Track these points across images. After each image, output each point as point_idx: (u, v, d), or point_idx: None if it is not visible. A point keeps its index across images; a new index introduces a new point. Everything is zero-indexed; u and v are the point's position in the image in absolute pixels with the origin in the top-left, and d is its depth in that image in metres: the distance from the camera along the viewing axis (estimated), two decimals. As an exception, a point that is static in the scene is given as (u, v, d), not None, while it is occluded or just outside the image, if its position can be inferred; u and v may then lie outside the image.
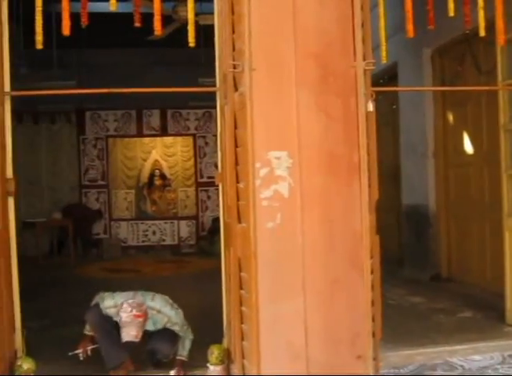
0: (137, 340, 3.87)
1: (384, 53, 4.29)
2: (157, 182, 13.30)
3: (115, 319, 4.05)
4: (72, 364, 4.26)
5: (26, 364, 3.84)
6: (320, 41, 3.76)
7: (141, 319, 3.89)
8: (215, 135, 12.27)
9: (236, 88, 3.52)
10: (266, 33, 3.53)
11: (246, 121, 3.27)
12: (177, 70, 12.68)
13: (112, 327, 4.05)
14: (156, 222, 12.40)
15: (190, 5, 3.91)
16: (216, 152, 12.02)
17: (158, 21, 4.00)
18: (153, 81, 12.49)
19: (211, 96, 11.69)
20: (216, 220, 11.82)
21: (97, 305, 4.13)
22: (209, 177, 12.29)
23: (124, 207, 13.11)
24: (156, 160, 13.42)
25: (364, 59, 3.59)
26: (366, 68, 3.60)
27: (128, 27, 10.33)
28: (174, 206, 13.31)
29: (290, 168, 3.71)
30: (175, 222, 12.40)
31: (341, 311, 3.73)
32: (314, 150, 3.73)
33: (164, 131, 12.36)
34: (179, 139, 13.24)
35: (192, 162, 13.21)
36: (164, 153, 13.56)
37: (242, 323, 3.52)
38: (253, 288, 3.26)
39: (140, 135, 12.41)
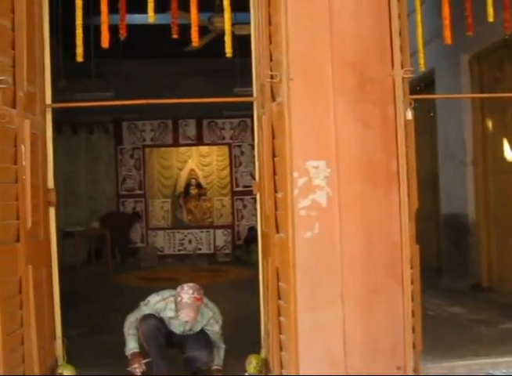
0: (195, 321, 4.00)
1: (421, 60, 4.25)
2: (193, 191, 13.40)
3: (162, 314, 4.12)
4: (112, 372, 4.30)
5: (67, 371, 3.89)
6: (357, 49, 3.74)
7: (199, 303, 4.01)
8: (251, 145, 12.37)
9: (273, 98, 3.53)
10: (303, 42, 3.53)
11: (284, 130, 3.27)
12: (212, 80, 12.78)
13: (163, 338, 4.11)
14: (193, 230, 12.47)
15: (227, 15, 3.94)
16: (252, 161, 12.21)
17: (195, 32, 4.04)
18: (189, 91, 12.63)
19: (247, 106, 11.69)
20: (252, 229, 11.84)
21: (151, 315, 4.14)
22: (245, 186, 12.32)
23: (160, 216, 13.23)
24: (192, 170, 13.52)
25: (402, 67, 3.56)
26: (405, 76, 3.57)
27: (164, 38, 10.45)
28: (209, 215, 13.38)
29: (328, 177, 3.70)
30: (211, 230, 12.45)
31: (380, 321, 3.69)
32: (352, 158, 3.71)
33: (199, 141, 12.44)
34: (215, 148, 13.32)
35: (227, 171, 13.28)
36: (199, 162, 13.66)
37: (280, 333, 3.51)
38: (291, 298, 3.24)
39: (176, 144, 12.51)
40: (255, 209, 12.24)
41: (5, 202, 3.24)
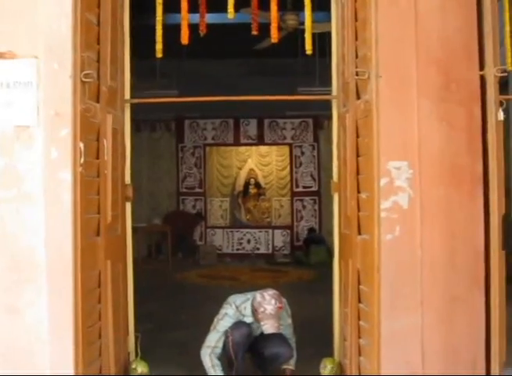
0: (280, 331, 3.89)
1: (509, 60, 4.07)
2: (252, 190, 13.34)
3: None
4: (184, 370, 4.28)
5: (140, 367, 3.89)
6: (443, 48, 3.60)
7: (282, 311, 3.92)
8: (312, 145, 12.27)
9: (357, 96, 3.43)
10: (390, 39, 3.41)
11: (371, 129, 3.17)
12: (273, 81, 12.71)
13: (248, 344, 4.05)
14: (251, 230, 12.42)
15: (308, 12, 3.87)
16: (312, 162, 12.05)
17: (275, 29, 4.00)
18: (251, 91, 12.61)
19: (309, 105, 11.51)
20: (312, 230, 11.73)
21: (242, 322, 4.03)
22: (304, 187, 12.21)
23: (218, 215, 13.24)
24: (252, 169, 13.47)
25: (494, 66, 3.41)
26: (497, 75, 3.41)
27: (228, 38, 10.42)
28: (268, 215, 13.32)
29: (410, 179, 3.57)
30: (270, 231, 12.38)
31: (461, 330, 3.55)
32: (435, 160, 3.57)
33: (260, 140, 12.39)
34: (274, 148, 13.23)
35: (286, 172, 13.16)
36: (259, 162, 13.60)
37: (359, 337, 3.41)
38: (374, 302, 3.14)
39: (237, 143, 12.49)
40: (314, 210, 12.28)
41: (88, 196, 3.25)
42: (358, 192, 3.40)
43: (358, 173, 3.41)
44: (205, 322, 5.91)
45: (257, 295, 3.95)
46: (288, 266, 10.62)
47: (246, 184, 13.33)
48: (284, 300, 4.13)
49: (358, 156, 3.41)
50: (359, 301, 3.41)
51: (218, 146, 12.79)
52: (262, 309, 3.85)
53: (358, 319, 3.42)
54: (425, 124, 3.57)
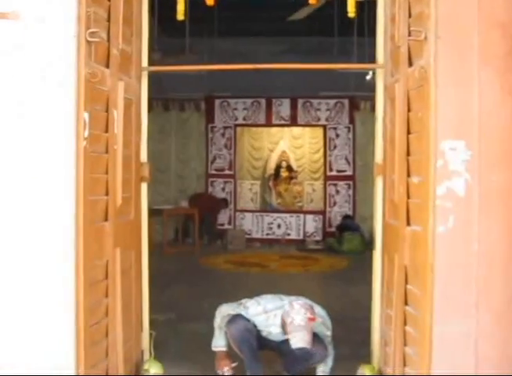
0: (310, 346, 3.39)
1: None
2: (284, 174, 12.88)
3: (261, 328, 3.62)
4: (200, 369, 3.88)
5: (154, 369, 3.47)
6: (509, 9, 3.04)
7: (313, 323, 3.45)
8: (347, 127, 11.71)
9: (410, 63, 2.91)
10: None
11: (427, 101, 2.66)
12: (308, 60, 12.16)
13: (255, 340, 3.61)
14: (282, 215, 11.95)
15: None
16: (347, 144, 11.50)
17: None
18: (284, 70, 12.17)
19: (344, 85, 10.93)
20: (347, 217, 11.21)
21: (240, 316, 3.65)
22: (338, 171, 11.68)
23: (248, 198, 12.81)
24: (284, 152, 13.01)
25: None
26: None
27: (260, 16, 9.92)
28: (300, 199, 12.85)
29: (468, 162, 3.03)
30: (301, 216, 11.88)
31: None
32: (497, 140, 3.02)
33: (293, 121, 11.85)
34: (307, 130, 12.73)
35: (319, 155, 12.68)
36: (291, 144, 13.13)
37: (405, 344, 2.93)
38: (426, 307, 2.65)
39: (269, 124, 11.98)
40: (348, 196, 11.76)
41: (94, 175, 2.82)
42: (408, 176, 2.90)
43: (408, 154, 2.90)
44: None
45: (286, 304, 3.53)
46: (319, 253, 10.16)
47: (278, 167, 12.89)
48: (323, 312, 3.70)
49: (408, 133, 2.90)
50: (406, 304, 2.92)
51: (250, 126, 12.32)
52: (290, 319, 3.41)
53: (404, 323, 2.93)
54: (487, 97, 3.01)
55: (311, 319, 3.41)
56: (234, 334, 3.62)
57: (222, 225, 11.55)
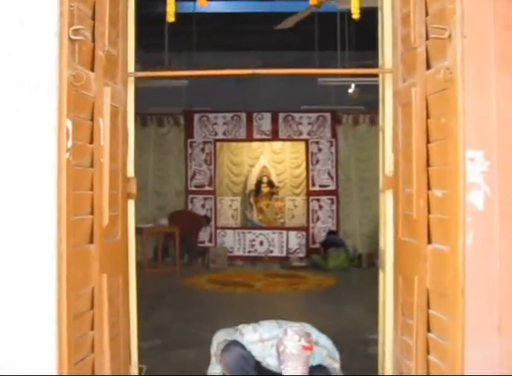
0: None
1: None
2: (265, 189, 12.63)
3: (258, 358, 3.27)
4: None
5: (144, 406, 3.12)
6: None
7: (309, 353, 3.07)
8: (329, 141, 11.48)
9: (427, 66, 2.64)
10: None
11: (453, 106, 2.38)
12: (288, 75, 11.98)
13: (252, 370, 3.26)
14: (264, 231, 11.63)
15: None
16: (330, 159, 11.26)
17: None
18: (264, 85, 11.95)
19: (326, 99, 10.71)
20: (331, 233, 10.93)
21: (235, 343, 3.32)
22: (321, 185, 11.44)
23: (229, 215, 12.50)
24: (264, 167, 12.77)
25: None
26: None
27: (240, 30, 9.73)
28: (281, 215, 12.58)
29: (487, 173, 2.76)
30: (284, 232, 11.58)
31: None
32: (517, 150, 2.77)
33: (274, 136, 11.58)
34: (288, 144, 12.51)
35: (301, 169, 12.47)
36: (272, 159, 12.88)
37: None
38: (457, 334, 2.35)
39: (250, 139, 11.70)
40: (332, 211, 11.51)
41: (78, 191, 2.48)
42: (429, 189, 2.61)
43: (427, 164, 2.62)
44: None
45: (280, 333, 3.18)
46: (305, 271, 9.88)
47: (259, 182, 12.63)
48: (328, 342, 3.38)
49: (427, 142, 2.62)
50: (428, 330, 2.62)
51: (230, 141, 12.04)
52: (282, 347, 3.07)
53: (427, 352, 2.63)
54: (505, 102, 2.76)
55: (307, 348, 3.06)
56: (228, 362, 3.29)
57: (203, 242, 11.19)
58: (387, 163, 3.23)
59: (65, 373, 2.34)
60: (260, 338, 3.26)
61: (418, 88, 2.67)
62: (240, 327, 3.43)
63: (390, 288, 3.25)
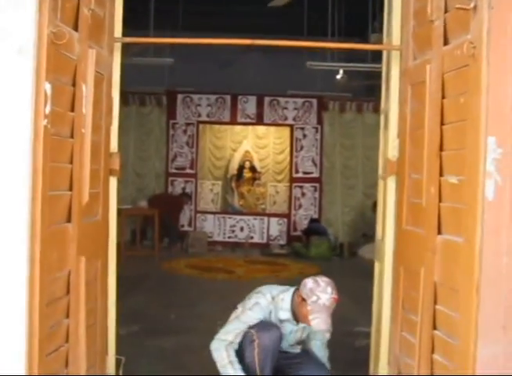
0: (331, 331, 3.02)
1: None
2: (247, 174, 12.39)
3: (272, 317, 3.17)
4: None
5: (121, 400, 2.89)
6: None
7: (334, 305, 3.03)
8: (315, 128, 11.26)
9: (445, 41, 2.42)
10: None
11: (478, 83, 2.16)
12: (275, 58, 11.77)
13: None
14: (245, 217, 11.40)
15: None
16: (314, 146, 11.04)
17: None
18: (252, 66, 11.68)
19: (313, 85, 10.50)
20: (314, 221, 10.74)
21: (272, 324, 3.14)
22: (305, 172, 11.23)
23: (209, 199, 12.26)
24: (247, 152, 12.52)
25: None
26: None
27: (224, 11, 9.50)
28: (263, 201, 12.36)
29: (499, 161, 2.56)
30: (265, 219, 11.37)
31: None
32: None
33: (259, 120, 11.32)
34: (272, 129, 12.28)
35: (284, 155, 12.26)
36: (255, 144, 12.64)
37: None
38: (469, 333, 2.16)
39: (234, 122, 11.43)
40: (314, 198, 11.30)
41: (55, 164, 2.22)
42: (441, 175, 2.40)
43: (442, 149, 2.40)
44: (198, 324, 4.97)
45: (309, 281, 3.05)
46: (285, 258, 9.70)
47: (241, 167, 12.37)
48: None
49: (442, 124, 2.40)
50: (434, 328, 2.42)
51: (213, 124, 11.75)
52: (315, 297, 2.95)
53: (432, 351, 2.43)
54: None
55: (336, 301, 3.02)
56: (267, 344, 3.07)
57: (182, 226, 10.94)
58: (391, 147, 3.01)
59: (35, 365, 2.10)
60: (271, 296, 3.17)
61: (434, 65, 2.44)
62: (240, 309, 3.21)
63: (388, 280, 3.05)
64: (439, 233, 2.40)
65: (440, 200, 2.40)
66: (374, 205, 10.43)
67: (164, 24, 9.68)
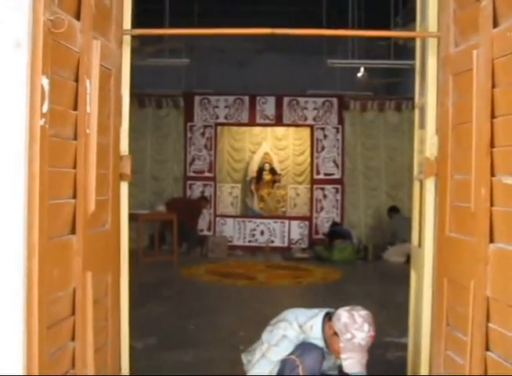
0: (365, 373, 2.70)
1: None
2: (266, 177, 12.15)
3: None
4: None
5: None
6: None
7: (371, 343, 2.73)
8: (336, 128, 10.95)
9: (494, 24, 2.13)
10: None
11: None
12: (292, 57, 11.55)
13: None
14: (265, 221, 11.12)
15: None
16: (335, 146, 10.77)
17: None
18: (269, 66, 11.44)
19: (333, 84, 10.24)
20: (336, 224, 10.44)
21: (315, 346, 2.87)
22: (326, 174, 10.92)
23: (228, 203, 12.03)
24: (266, 153, 12.28)
25: None
26: None
27: (241, 11, 9.29)
28: (283, 204, 12.10)
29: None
30: (286, 222, 11.08)
31: None
32: None
33: (278, 121, 11.04)
34: (291, 130, 12.03)
35: (304, 157, 12.01)
36: (274, 145, 12.38)
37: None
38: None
39: (253, 123, 11.17)
40: (336, 200, 11.01)
41: (56, 168, 1.97)
42: (492, 175, 2.11)
43: (492, 145, 2.11)
44: (219, 336, 4.71)
45: (343, 314, 2.73)
46: (308, 263, 9.39)
47: (260, 169, 12.13)
48: None
49: (493, 117, 2.11)
50: (487, 349, 2.12)
51: (232, 125, 11.50)
52: (349, 335, 2.66)
53: (485, 372, 2.14)
54: None
55: (373, 338, 2.70)
56: (311, 366, 2.81)
57: (201, 231, 10.69)
58: (429, 145, 2.72)
59: (35, 396, 1.85)
60: (298, 325, 2.88)
61: (481, 51, 2.15)
62: (275, 335, 2.91)
63: (427, 292, 2.75)
64: (491, 241, 2.11)
65: (492, 204, 2.10)
66: (390, 210, 10.18)
67: (179, 22, 9.49)
